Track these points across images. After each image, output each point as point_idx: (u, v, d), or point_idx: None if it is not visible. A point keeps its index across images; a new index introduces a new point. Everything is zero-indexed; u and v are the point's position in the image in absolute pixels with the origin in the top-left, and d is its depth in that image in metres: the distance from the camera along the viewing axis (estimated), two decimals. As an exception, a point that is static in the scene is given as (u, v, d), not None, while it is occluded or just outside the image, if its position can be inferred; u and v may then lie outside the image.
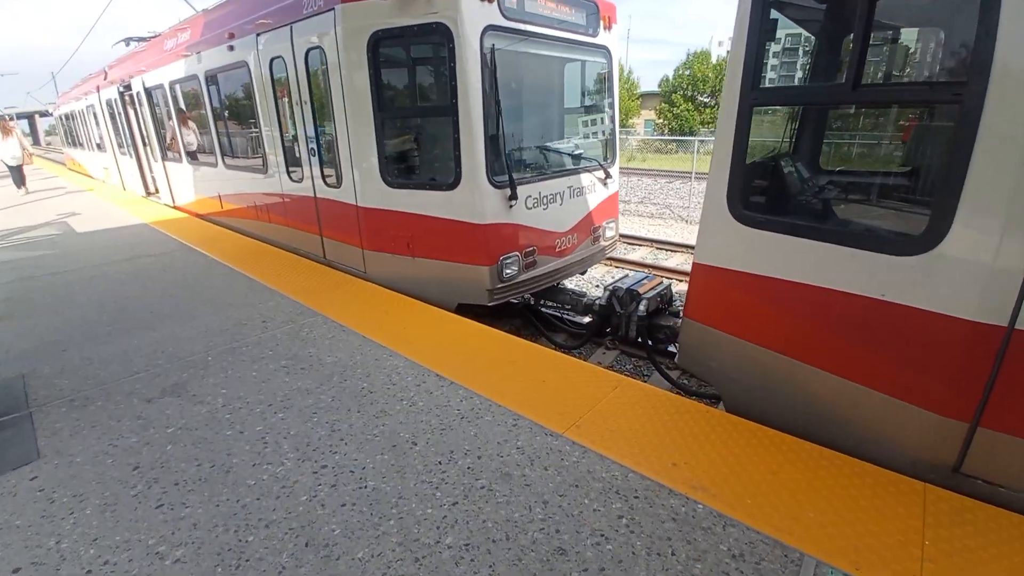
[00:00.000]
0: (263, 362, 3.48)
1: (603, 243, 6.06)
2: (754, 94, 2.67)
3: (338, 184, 5.24)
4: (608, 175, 5.83)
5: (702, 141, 19.71)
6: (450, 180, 4.42)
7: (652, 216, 14.89)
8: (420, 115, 4.81)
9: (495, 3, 4.18)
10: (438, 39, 4.19)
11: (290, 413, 2.87)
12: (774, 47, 2.67)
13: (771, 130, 2.86)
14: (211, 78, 7.19)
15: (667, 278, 8.30)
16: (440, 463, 2.44)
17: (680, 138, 30.60)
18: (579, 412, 2.84)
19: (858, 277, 2.44)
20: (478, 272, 4.59)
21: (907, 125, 2.32)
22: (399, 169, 4.83)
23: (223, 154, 7.57)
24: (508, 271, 4.69)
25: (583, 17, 5.17)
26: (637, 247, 10.74)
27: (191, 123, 8.54)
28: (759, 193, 2.88)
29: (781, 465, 2.42)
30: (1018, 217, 1.96)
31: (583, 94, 5.74)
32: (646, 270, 8.79)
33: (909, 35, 2.24)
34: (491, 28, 4.18)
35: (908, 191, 2.36)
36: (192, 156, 8.75)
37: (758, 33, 2.60)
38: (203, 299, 4.74)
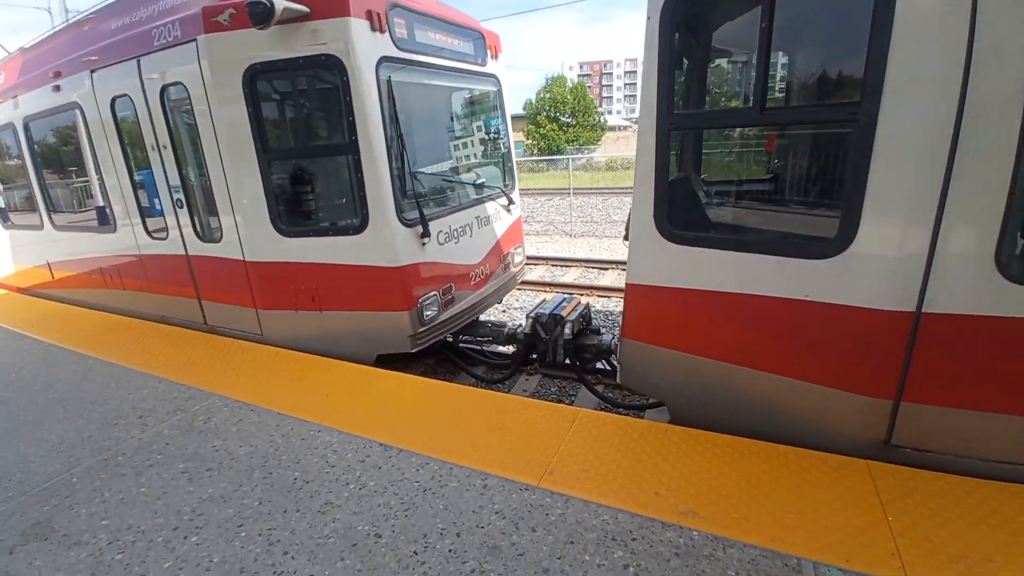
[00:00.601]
0: (152, 472, 2.80)
1: (513, 269, 6.02)
2: (670, 119, 2.78)
3: (217, 238, 4.55)
4: (511, 201, 5.82)
5: (576, 157, 20.97)
6: (356, 223, 4.05)
7: (538, 233, 15.37)
8: (315, 155, 4.37)
9: (387, 34, 3.96)
10: (329, 73, 3.84)
11: (207, 533, 2.31)
12: (682, 70, 2.81)
13: (687, 147, 3.00)
14: (31, 126, 5.94)
15: (568, 293, 8.56)
16: (415, 552, 2.11)
17: (554, 157, 32.37)
18: (547, 457, 2.68)
19: (782, 282, 2.62)
20: (397, 319, 4.24)
21: (810, 139, 2.56)
22: (294, 216, 4.32)
23: (51, 214, 6.26)
24: (428, 312, 4.40)
25: (471, 47, 5.14)
26: (534, 266, 10.95)
27: (6, 181, 6.98)
28: (683, 211, 3.00)
29: (751, 471, 2.48)
30: (914, 215, 2.23)
31: (478, 122, 5.69)
32: (548, 289, 8.97)
33: (806, 57, 2.48)
34: (385, 59, 3.95)
35: (817, 198, 2.61)
36: (4, 219, 7.14)
37: (668, 60, 2.72)
38: (49, 400, 3.76)
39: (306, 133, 4.20)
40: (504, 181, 5.88)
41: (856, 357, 2.54)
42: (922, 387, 2.44)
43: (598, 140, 54.08)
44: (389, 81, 4.01)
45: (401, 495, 2.45)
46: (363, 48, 3.78)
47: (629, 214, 4.58)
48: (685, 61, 2.81)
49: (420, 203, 4.23)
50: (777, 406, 2.83)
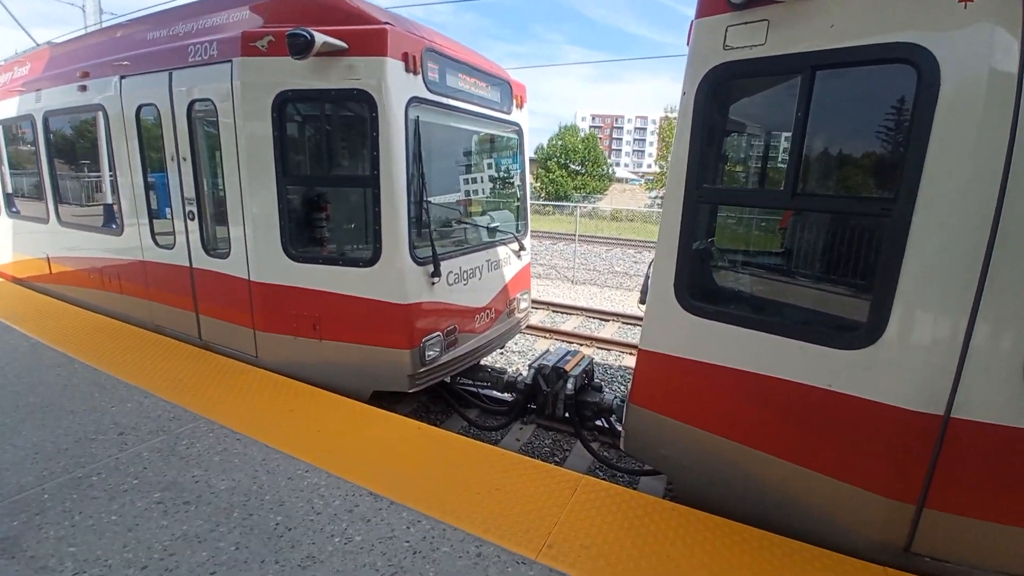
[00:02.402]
0: (126, 498, 2.63)
1: (518, 315, 5.95)
2: (699, 192, 2.78)
3: (224, 254, 4.49)
4: (522, 247, 5.82)
5: (583, 206, 21.30)
6: (368, 256, 4.01)
7: (540, 276, 15.38)
8: (334, 184, 4.37)
9: (419, 76, 4.03)
10: (359, 107, 3.88)
11: (177, 577, 2.14)
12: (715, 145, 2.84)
13: (713, 219, 3.00)
14: (51, 121, 5.96)
15: (567, 342, 8.46)
16: (399, 627, 1.95)
17: (562, 203, 32.93)
18: (546, 527, 2.53)
19: (805, 367, 2.56)
20: (398, 356, 4.14)
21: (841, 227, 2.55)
22: (305, 241, 4.28)
23: (57, 209, 6.20)
24: (431, 353, 4.30)
25: (498, 95, 5.25)
26: (535, 310, 10.89)
27: (17, 170, 6.97)
28: (705, 284, 2.97)
29: (766, 569, 2.34)
30: (946, 315, 2.20)
31: (498, 168, 5.75)
32: (548, 335, 8.88)
33: (841, 146, 2.51)
34: (415, 100, 4.00)
35: (845, 283, 2.58)
36: (10, 207, 7.08)
37: (701, 135, 2.75)
38: (28, 404, 3.60)
39: (328, 162, 4.22)
40: (517, 226, 5.89)
41: (879, 455, 2.44)
42: (948, 494, 2.34)
43: (605, 190, 55.23)
44: (417, 121, 4.05)
45: (389, 555, 2.29)
46: (395, 87, 3.83)
47: (646, 277, 4.60)
48: (716, 136, 2.84)
49: (434, 242, 4.20)
50: (791, 496, 2.71)
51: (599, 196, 52.12)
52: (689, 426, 3.04)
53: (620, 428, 5.11)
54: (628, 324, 10.07)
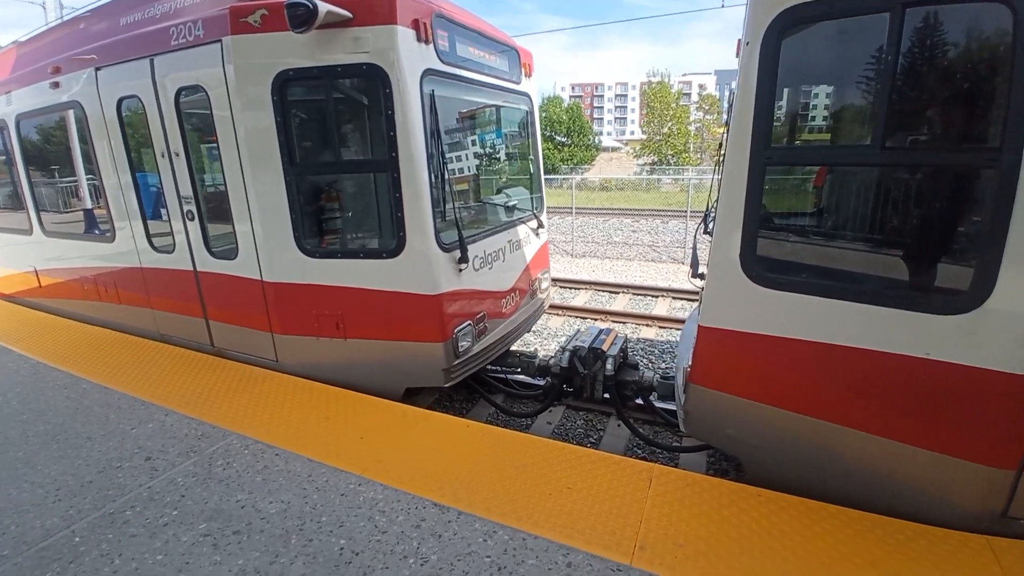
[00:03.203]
0: (168, 532, 2.40)
1: (541, 296, 5.72)
2: (768, 153, 2.54)
3: (232, 255, 4.17)
4: (540, 224, 5.55)
5: (574, 177, 20.97)
6: (391, 246, 3.72)
7: (542, 253, 15.08)
8: (348, 171, 4.04)
9: (431, 46, 3.69)
10: (369, 83, 3.54)
11: (245, 620, 1.93)
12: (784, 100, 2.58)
13: (790, 182, 2.75)
14: (24, 124, 5.50)
15: (578, 317, 8.25)
16: (504, 658, 1.76)
17: (551, 176, 32.49)
18: (631, 525, 2.35)
19: (900, 337, 2.36)
20: (431, 350, 3.90)
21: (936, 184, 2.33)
22: (322, 235, 3.98)
23: (40, 218, 5.79)
24: (463, 344, 4.07)
25: (506, 64, 4.90)
26: (543, 288, 10.66)
27: None
28: (777, 252, 2.74)
29: (875, 553, 2.18)
30: None
31: (512, 142, 5.43)
32: (560, 312, 8.68)
33: (933, 93, 2.26)
34: (429, 72, 3.67)
35: (942, 245, 2.37)
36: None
37: (768, 89, 2.48)
38: (40, 432, 3.32)
39: (339, 147, 3.88)
40: (533, 203, 5.61)
41: (979, 424, 2.28)
42: None
43: (592, 160, 54.52)
44: (432, 95, 3.73)
45: (472, 574, 2.10)
46: (408, 59, 3.49)
47: (693, 250, 4.36)
48: (786, 91, 2.58)
49: (460, 226, 3.92)
50: (878, 471, 2.55)
51: (587, 166, 51.51)
52: (761, 404, 2.86)
53: (658, 405, 4.99)
54: (638, 295, 9.91)
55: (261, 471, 2.84)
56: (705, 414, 3.11)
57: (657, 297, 9.74)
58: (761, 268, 2.66)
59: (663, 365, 6.91)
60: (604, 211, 22.79)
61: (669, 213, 21.38)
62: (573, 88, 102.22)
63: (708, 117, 50.12)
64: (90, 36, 4.83)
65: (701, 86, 79.47)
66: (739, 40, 3.93)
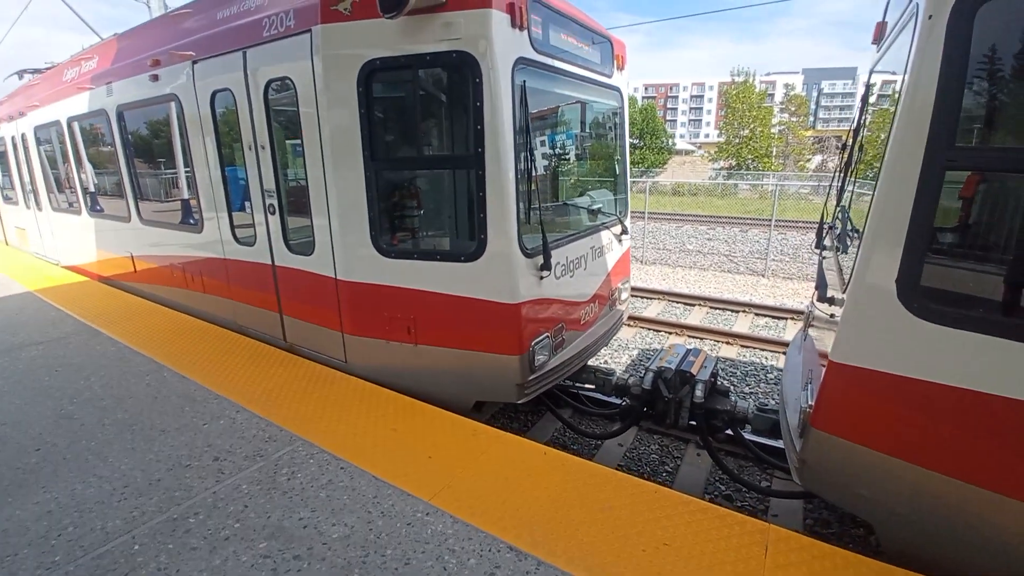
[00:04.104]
0: (228, 549, 2.24)
1: (620, 307, 5.30)
2: (950, 154, 2.01)
3: (309, 251, 4.09)
4: (624, 229, 5.13)
5: (648, 181, 20.15)
6: (471, 249, 3.46)
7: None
8: (431, 167, 3.84)
9: (525, 32, 3.39)
10: (458, 73, 3.30)
11: (301, 672, 1.70)
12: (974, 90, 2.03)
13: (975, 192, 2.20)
14: (125, 115, 5.78)
15: (650, 330, 7.67)
16: None
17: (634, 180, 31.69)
18: (751, 609, 1.92)
19: None
20: (506, 363, 3.60)
21: None
22: (399, 234, 3.79)
23: (138, 207, 6.08)
24: (540, 357, 3.74)
25: (599, 55, 4.51)
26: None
27: (95, 169, 6.94)
28: (950, 280, 2.20)
29: None
30: None
31: (600, 140, 5.05)
32: (631, 323, 8.15)
33: None
34: (522, 61, 3.37)
35: None
36: (94, 207, 7.09)
37: (955, 75, 1.96)
38: (117, 421, 3.34)
39: (423, 141, 3.66)
40: (618, 206, 5.19)
41: None
42: None
43: (664, 163, 52.64)
44: (524, 87, 3.43)
45: (558, 650, 1.76)
46: (501, 46, 3.21)
47: (820, 268, 3.80)
48: (980, 76, 2.04)
49: (545, 231, 3.59)
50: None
51: (658, 170, 49.74)
52: (911, 465, 2.32)
53: (751, 439, 4.43)
54: (716, 309, 9.19)
55: (325, 486, 2.64)
56: (830, 467, 2.59)
57: (737, 312, 8.98)
58: (928, 299, 2.13)
59: (747, 389, 6.27)
60: (677, 217, 21.76)
61: (749, 221, 20.09)
62: (646, 88, 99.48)
63: (794, 119, 46.91)
64: (188, 30, 4.94)
65: (788, 85, 74.68)
66: (879, 23, 3.35)
